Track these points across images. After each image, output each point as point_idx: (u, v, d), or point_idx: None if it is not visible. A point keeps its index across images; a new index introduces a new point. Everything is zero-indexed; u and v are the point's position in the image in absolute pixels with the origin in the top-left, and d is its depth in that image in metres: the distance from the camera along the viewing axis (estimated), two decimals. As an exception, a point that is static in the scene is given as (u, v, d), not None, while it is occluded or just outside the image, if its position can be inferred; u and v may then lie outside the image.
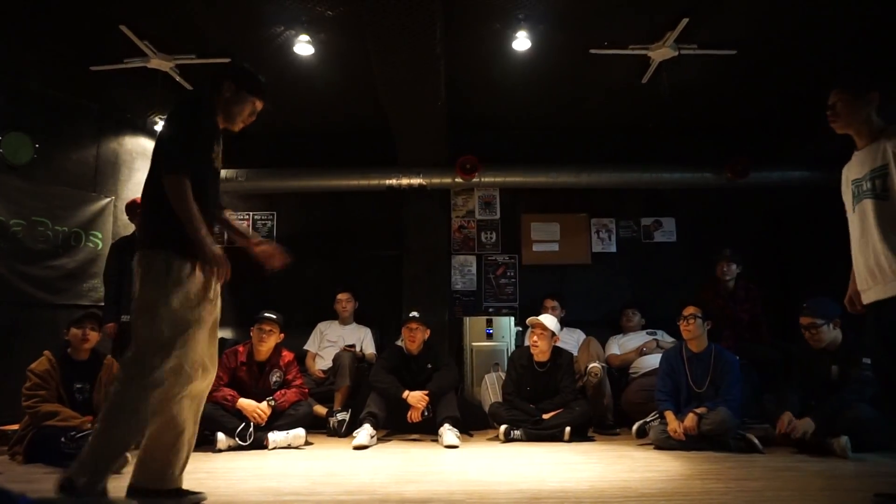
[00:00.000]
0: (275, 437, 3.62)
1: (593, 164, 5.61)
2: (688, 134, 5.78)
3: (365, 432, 3.71)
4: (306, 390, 4.09)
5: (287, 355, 4.05)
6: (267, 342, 3.90)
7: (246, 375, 3.85)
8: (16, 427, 3.29)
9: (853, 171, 2.30)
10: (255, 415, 3.63)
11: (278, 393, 3.84)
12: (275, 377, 3.91)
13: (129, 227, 4.76)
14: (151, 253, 2.10)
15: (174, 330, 2.04)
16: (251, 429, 3.58)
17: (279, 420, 3.75)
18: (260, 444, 3.59)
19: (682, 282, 5.38)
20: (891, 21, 3.87)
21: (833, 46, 4.20)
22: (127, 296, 4.26)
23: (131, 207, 4.50)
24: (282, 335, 3.98)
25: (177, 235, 2.08)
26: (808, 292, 3.60)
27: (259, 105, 2.38)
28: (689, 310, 3.78)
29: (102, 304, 4.40)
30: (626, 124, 5.73)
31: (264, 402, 3.70)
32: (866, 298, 2.23)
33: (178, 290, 2.06)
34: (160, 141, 2.23)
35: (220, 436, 3.52)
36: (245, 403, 3.68)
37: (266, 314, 3.89)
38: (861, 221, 2.22)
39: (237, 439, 3.54)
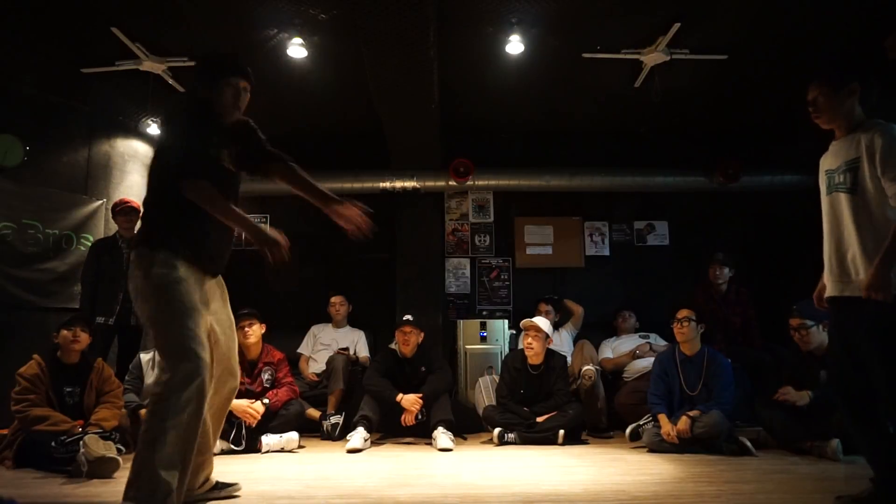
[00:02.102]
0: (268, 440, 3.60)
1: (586, 168, 5.64)
2: (680, 138, 5.82)
3: (358, 436, 3.70)
4: (296, 388, 4.09)
5: (276, 353, 4.05)
6: (251, 336, 3.90)
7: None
8: (4, 432, 3.25)
9: (828, 161, 2.27)
10: (248, 414, 3.59)
11: (270, 393, 3.82)
12: (266, 375, 3.91)
13: (121, 230, 4.73)
14: (151, 253, 2.08)
15: (190, 325, 2.02)
16: (243, 431, 3.56)
17: (272, 421, 3.73)
18: (253, 447, 3.57)
19: (674, 285, 5.41)
20: (879, 24, 3.92)
21: (823, 51, 4.24)
22: (102, 297, 4.25)
23: (121, 209, 4.46)
24: (263, 325, 3.98)
25: (177, 235, 2.10)
26: (799, 296, 3.63)
27: (242, 83, 2.25)
28: (683, 313, 3.80)
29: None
30: (619, 128, 5.76)
31: (258, 402, 3.68)
32: (828, 291, 2.21)
33: (180, 286, 2.05)
34: (163, 149, 2.25)
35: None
36: (236, 404, 3.63)
37: (241, 312, 3.83)
38: (831, 213, 2.20)
39: (230, 443, 3.51)
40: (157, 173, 2.20)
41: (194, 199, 2.07)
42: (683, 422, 3.44)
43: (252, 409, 3.62)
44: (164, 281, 2.04)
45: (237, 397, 3.65)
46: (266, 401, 3.72)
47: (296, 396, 3.99)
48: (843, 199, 2.14)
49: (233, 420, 3.57)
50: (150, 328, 2.08)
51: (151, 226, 2.16)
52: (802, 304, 3.48)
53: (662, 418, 3.58)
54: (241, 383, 3.77)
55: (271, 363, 3.97)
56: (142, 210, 2.27)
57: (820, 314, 3.39)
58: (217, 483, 2.33)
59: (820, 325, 3.44)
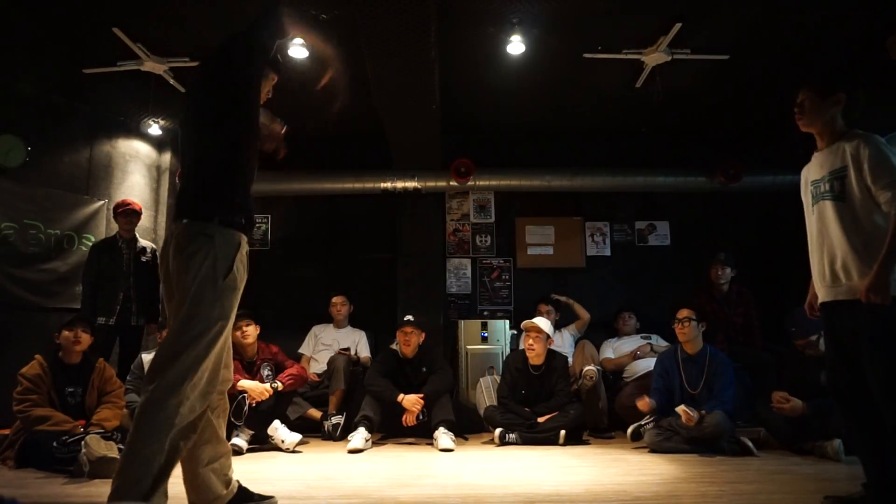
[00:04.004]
0: (284, 434, 3.64)
1: (588, 168, 5.63)
2: (681, 138, 5.82)
3: (360, 436, 3.71)
4: (305, 370, 4.19)
5: (272, 347, 4.10)
6: (249, 336, 3.94)
7: (240, 373, 3.86)
8: (6, 432, 3.26)
9: (812, 172, 2.31)
10: (264, 397, 3.66)
11: (282, 375, 3.87)
12: (266, 371, 3.93)
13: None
14: (202, 224, 1.90)
15: (222, 317, 1.87)
16: (245, 408, 3.59)
17: (287, 405, 3.88)
18: (256, 427, 3.64)
19: (675, 285, 5.41)
20: (881, 25, 3.91)
21: (824, 51, 4.24)
22: (103, 298, 4.26)
23: (123, 210, 4.46)
24: (258, 326, 4.01)
25: (228, 204, 1.93)
26: (800, 296, 3.62)
27: (274, 79, 2.25)
28: (684, 313, 3.80)
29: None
30: (620, 128, 5.76)
31: (266, 384, 3.73)
32: (821, 298, 2.24)
33: (228, 267, 1.89)
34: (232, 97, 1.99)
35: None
36: (249, 385, 3.68)
37: (237, 313, 3.89)
38: (819, 222, 2.23)
39: (231, 417, 3.53)
40: (223, 122, 1.97)
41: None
42: (693, 415, 3.44)
43: (266, 390, 3.68)
44: (236, 277, 1.90)
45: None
46: (277, 384, 3.76)
47: (305, 375, 4.08)
48: (829, 207, 2.18)
49: (235, 395, 3.61)
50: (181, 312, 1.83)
51: (210, 191, 1.93)
52: (799, 322, 3.48)
53: (681, 409, 3.53)
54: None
55: (268, 358, 3.99)
56: (191, 172, 2.02)
57: (816, 323, 3.38)
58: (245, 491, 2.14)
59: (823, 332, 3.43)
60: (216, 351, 1.87)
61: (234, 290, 1.93)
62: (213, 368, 1.89)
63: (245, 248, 1.98)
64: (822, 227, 2.22)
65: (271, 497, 2.22)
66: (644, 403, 3.71)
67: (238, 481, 2.13)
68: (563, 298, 5.13)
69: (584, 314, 5.07)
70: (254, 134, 2.05)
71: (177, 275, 1.89)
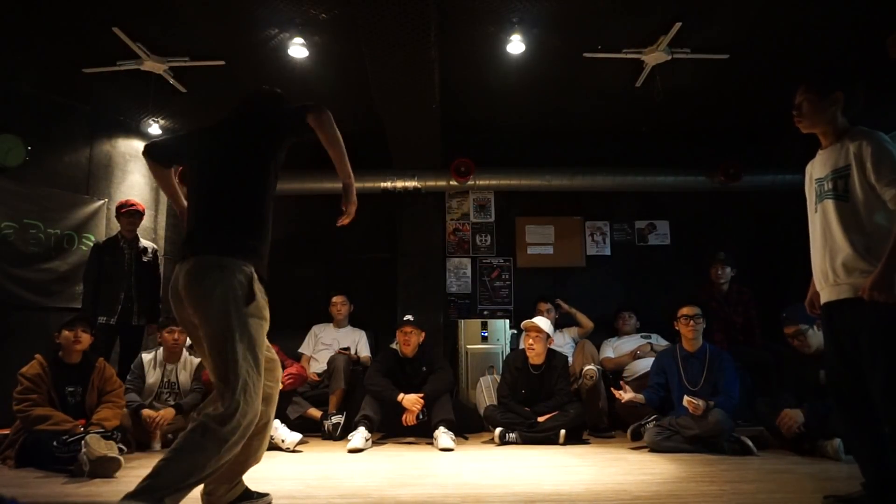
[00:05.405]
0: (284, 433, 3.63)
1: (588, 168, 5.63)
2: (681, 137, 5.82)
3: (360, 435, 3.71)
4: (304, 369, 4.19)
5: (272, 347, 4.07)
6: None
7: None
8: (6, 431, 3.26)
9: (817, 170, 2.30)
10: None
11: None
12: None
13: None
14: (233, 262, 1.94)
15: (258, 349, 1.93)
16: None
17: (286, 404, 3.91)
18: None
19: (675, 285, 5.41)
20: (881, 24, 3.91)
21: (824, 50, 4.24)
22: (104, 297, 4.26)
23: (126, 211, 4.45)
24: None
25: (257, 250, 2.03)
26: (800, 296, 3.62)
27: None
28: (693, 309, 3.80)
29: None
30: (620, 128, 5.76)
31: None
32: (823, 298, 2.24)
33: (248, 294, 1.94)
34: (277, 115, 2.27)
35: None
36: None
37: None
38: (822, 221, 2.22)
39: None
40: (250, 166, 2.12)
41: (328, 124, 2.18)
42: (699, 404, 3.44)
43: None
44: (258, 305, 1.96)
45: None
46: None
47: (304, 374, 4.07)
48: (831, 206, 2.17)
49: None
50: (215, 350, 1.87)
51: (242, 231, 2.03)
52: (792, 310, 3.48)
53: (687, 400, 3.54)
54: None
55: None
56: (225, 207, 2.07)
57: (809, 317, 3.38)
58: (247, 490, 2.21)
59: (815, 326, 3.43)
60: (258, 380, 1.92)
61: (260, 318, 1.97)
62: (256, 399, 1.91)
63: (256, 276, 2.00)
64: (825, 226, 2.21)
65: (266, 494, 2.24)
66: (622, 394, 3.75)
67: (242, 479, 2.14)
68: (565, 306, 5.11)
69: (588, 323, 5.00)
70: (274, 187, 2.23)
71: (196, 311, 1.92)
